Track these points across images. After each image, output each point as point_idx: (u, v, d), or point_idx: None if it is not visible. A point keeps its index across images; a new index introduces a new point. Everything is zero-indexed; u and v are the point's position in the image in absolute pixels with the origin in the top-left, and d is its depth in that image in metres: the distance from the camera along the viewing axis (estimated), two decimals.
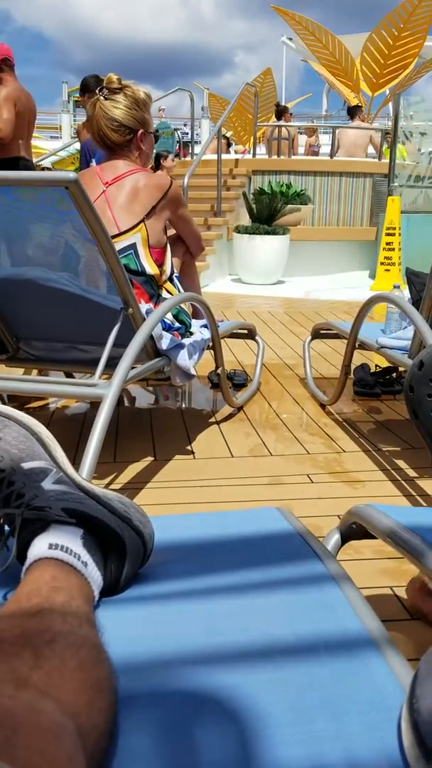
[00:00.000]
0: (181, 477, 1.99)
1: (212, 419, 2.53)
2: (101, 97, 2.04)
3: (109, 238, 1.63)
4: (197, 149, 8.77)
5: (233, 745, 0.50)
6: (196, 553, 0.82)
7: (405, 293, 2.60)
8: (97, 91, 2.07)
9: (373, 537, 0.98)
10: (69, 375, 2.49)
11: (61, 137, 13.89)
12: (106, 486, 1.91)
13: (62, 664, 0.47)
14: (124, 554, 0.67)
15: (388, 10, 10.42)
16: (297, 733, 0.51)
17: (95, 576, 0.64)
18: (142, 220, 2.00)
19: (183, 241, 2.33)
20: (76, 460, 1.94)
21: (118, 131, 2.04)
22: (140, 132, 2.06)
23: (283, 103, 11.65)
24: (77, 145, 6.77)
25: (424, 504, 1.83)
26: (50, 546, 0.62)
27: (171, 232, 2.25)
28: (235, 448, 2.23)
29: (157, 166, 7.60)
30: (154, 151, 5.27)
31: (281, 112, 9.71)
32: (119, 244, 1.95)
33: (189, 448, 2.23)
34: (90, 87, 4.35)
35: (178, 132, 13.83)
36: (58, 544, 0.62)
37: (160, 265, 2.07)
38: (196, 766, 0.48)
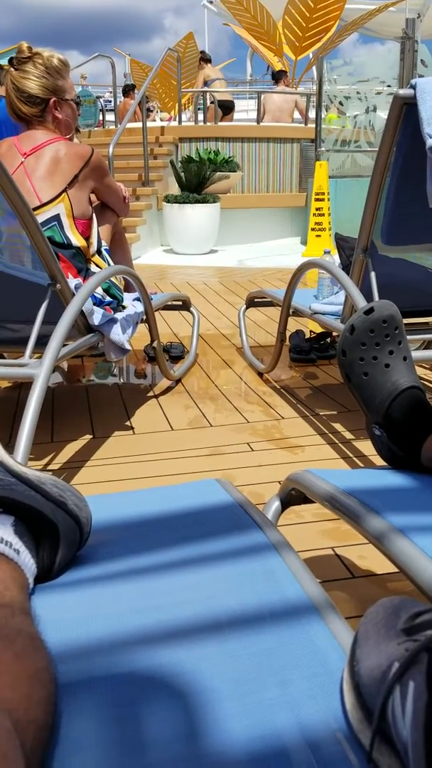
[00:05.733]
0: (121, 453, 1.97)
1: (150, 393, 2.51)
2: (12, 69, 1.95)
3: (30, 210, 1.56)
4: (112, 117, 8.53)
5: (181, 723, 0.50)
6: (136, 531, 0.80)
7: (335, 258, 2.63)
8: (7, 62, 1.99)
9: (312, 501, 0.99)
10: None
11: None
12: (44, 467, 1.87)
13: None
14: (58, 540, 0.66)
15: None
16: (244, 704, 0.51)
17: (29, 563, 0.62)
18: (64, 190, 1.93)
19: (109, 210, 2.27)
20: (10, 443, 1.89)
21: (28, 102, 1.96)
22: (53, 100, 1.98)
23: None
24: None
25: (361, 465, 1.87)
26: None
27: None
28: (174, 421, 2.22)
29: None
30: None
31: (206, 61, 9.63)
32: (41, 216, 1.89)
33: (128, 423, 2.21)
34: None
35: (101, 100, 13.42)
36: None
37: (86, 237, 2.02)
38: (144, 748, 0.47)
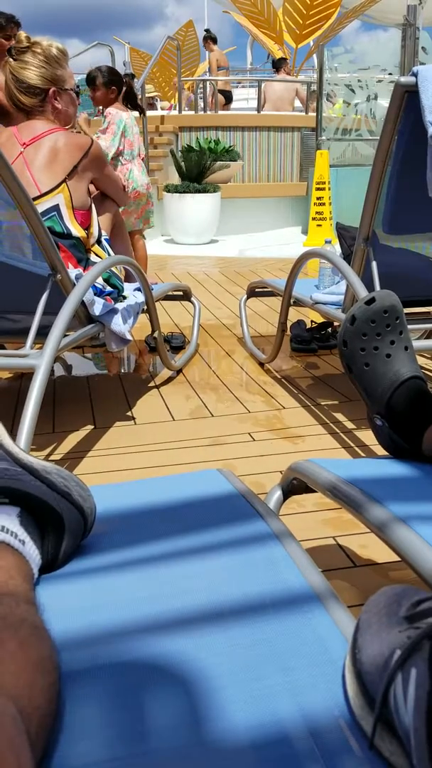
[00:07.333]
0: (123, 443, 1.97)
1: (152, 383, 2.51)
2: (11, 59, 1.94)
3: (30, 200, 1.56)
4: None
5: (184, 710, 0.50)
6: (138, 521, 0.81)
7: (336, 248, 2.62)
8: (6, 53, 1.98)
9: (314, 491, 0.99)
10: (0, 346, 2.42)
11: None
12: (46, 457, 1.88)
13: (1, 646, 0.46)
14: (63, 530, 0.66)
15: None
16: (247, 691, 0.52)
17: (33, 554, 0.62)
18: (64, 180, 1.93)
19: (109, 199, 2.27)
20: (12, 433, 1.89)
21: (28, 93, 1.95)
22: (52, 90, 1.97)
23: (205, 58, 11.39)
24: None
25: (362, 454, 1.87)
26: None
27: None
28: (175, 411, 2.22)
29: None
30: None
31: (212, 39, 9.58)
32: (41, 206, 1.88)
33: (129, 413, 2.21)
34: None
35: None
36: None
37: (86, 228, 2.01)
38: (147, 735, 0.48)
